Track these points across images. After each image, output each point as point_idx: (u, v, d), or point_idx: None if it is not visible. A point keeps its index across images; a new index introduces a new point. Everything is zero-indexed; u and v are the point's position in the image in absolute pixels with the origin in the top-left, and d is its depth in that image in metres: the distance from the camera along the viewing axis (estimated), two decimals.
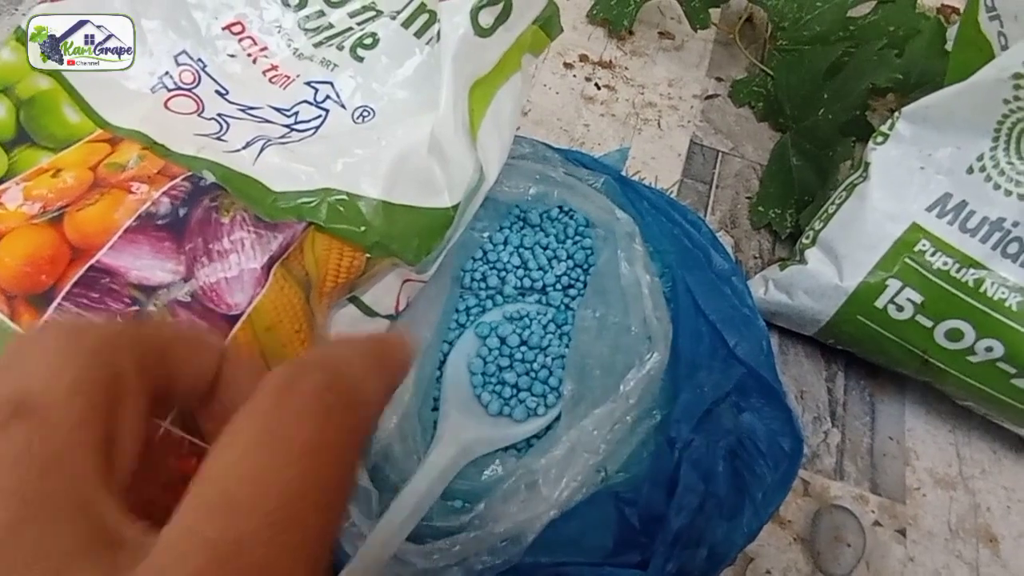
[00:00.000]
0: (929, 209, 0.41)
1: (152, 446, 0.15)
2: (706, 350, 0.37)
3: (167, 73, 0.34)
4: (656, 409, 0.36)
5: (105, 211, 0.27)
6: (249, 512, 0.11)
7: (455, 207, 0.32)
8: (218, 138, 0.32)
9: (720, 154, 0.56)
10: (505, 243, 0.43)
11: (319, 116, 0.34)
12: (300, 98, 0.34)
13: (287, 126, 0.33)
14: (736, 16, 0.64)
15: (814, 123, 0.53)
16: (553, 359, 0.39)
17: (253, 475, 0.12)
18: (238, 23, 0.36)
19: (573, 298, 0.41)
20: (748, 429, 0.35)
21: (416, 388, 0.36)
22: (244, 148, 0.31)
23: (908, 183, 0.42)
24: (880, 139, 0.42)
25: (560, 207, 0.44)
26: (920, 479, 0.43)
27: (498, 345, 0.39)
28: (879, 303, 0.41)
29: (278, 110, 0.34)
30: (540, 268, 0.42)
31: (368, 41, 0.35)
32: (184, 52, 0.34)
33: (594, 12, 0.61)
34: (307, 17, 0.36)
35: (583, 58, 0.60)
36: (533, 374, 0.38)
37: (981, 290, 0.40)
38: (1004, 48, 0.39)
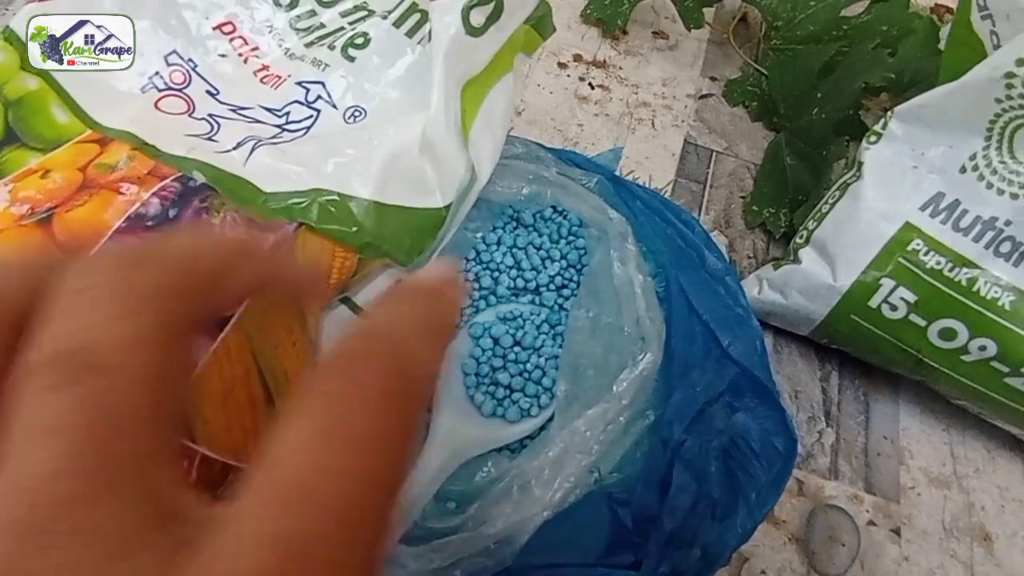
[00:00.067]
0: (922, 208, 0.41)
1: None
2: (699, 350, 0.37)
3: (157, 73, 0.33)
4: (649, 409, 0.36)
5: (94, 212, 0.27)
6: (321, 506, 0.11)
7: (447, 207, 0.32)
8: (209, 138, 0.31)
9: (714, 154, 0.56)
10: (498, 243, 0.43)
11: (310, 116, 0.34)
12: (291, 98, 0.34)
13: (278, 126, 0.33)
14: (730, 15, 0.64)
15: (808, 122, 0.53)
16: (546, 359, 0.39)
17: (323, 465, 0.11)
18: (229, 23, 0.35)
19: (566, 298, 0.41)
20: (742, 429, 0.35)
21: None
22: (235, 148, 0.31)
23: (901, 182, 0.42)
24: (873, 138, 0.42)
25: (553, 207, 0.44)
26: (914, 478, 0.43)
27: (491, 346, 0.39)
28: (873, 302, 0.41)
29: (269, 110, 0.34)
30: (533, 268, 0.42)
31: (359, 41, 0.35)
32: (175, 52, 0.34)
33: (588, 11, 0.61)
34: (298, 17, 0.36)
35: (577, 58, 0.60)
36: (526, 375, 0.38)
37: (974, 289, 0.40)
38: (996, 47, 0.39)
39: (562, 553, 0.32)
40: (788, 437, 0.35)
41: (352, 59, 0.35)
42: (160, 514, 0.11)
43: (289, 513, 0.11)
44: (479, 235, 0.43)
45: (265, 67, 0.35)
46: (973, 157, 0.40)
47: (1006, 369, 0.40)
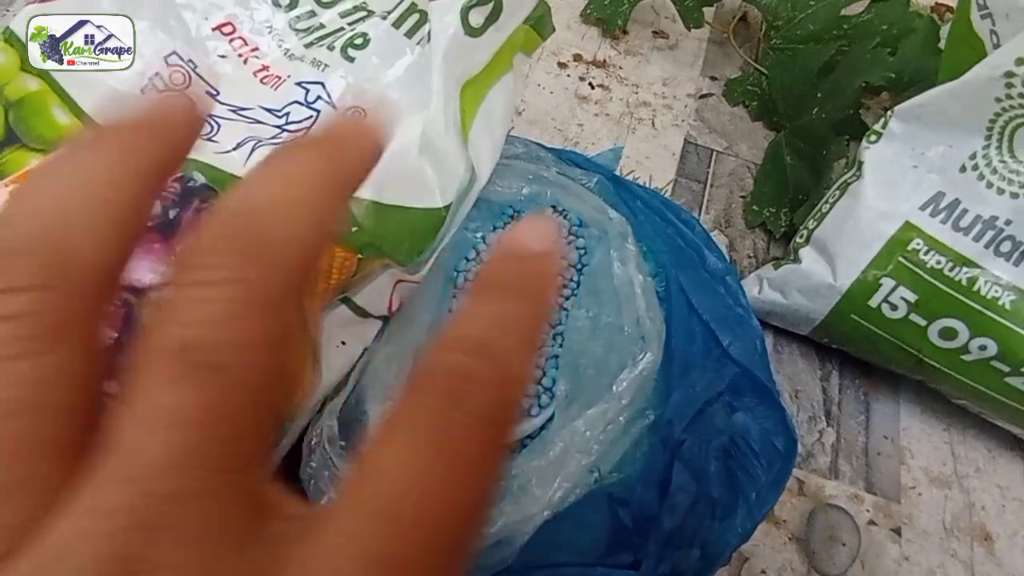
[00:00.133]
0: (922, 208, 0.41)
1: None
2: (699, 350, 0.37)
3: (157, 74, 0.34)
4: (649, 409, 0.36)
5: None
6: (421, 532, 0.11)
7: (447, 207, 0.32)
8: (208, 139, 0.31)
9: (714, 153, 0.56)
10: None
11: (310, 116, 0.34)
12: (291, 98, 0.34)
13: (278, 127, 0.33)
14: (730, 15, 0.64)
15: (808, 122, 0.53)
16: (546, 359, 0.39)
17: (426, 489, 0.11)
18: (228, 23, 0.35)
19: (567, 298, 0.41)
20: (742, 429, 0.35)
21: None
22: (235, 149, 0.31)
23: (901, 182, 0.42)
24: (873, 138, 0.42)
25: (553, 207, 0.44)
26: (915, 478, 0.43)
27: None
28: (873, 302, 0.41)
29: (269, 111, 0.34)
30: None
31: (359, 41, 0.35)
32: (174, 53, 0.34)
33: (588, 11, 0.61)
34: (298, 17, 0.36)
35: (577, 57, 0.60)
36: None
37: (974, 289, 0.40)
38: (996, 46, 0.39)
39: (562, 553, 0.32)
40: (788, 437, 0.35)
41: (352, 59, 0.35)
42: (262, 510, 0.11)
43: (388, 534, 0.11)
44: (479, 235, 0.43)
45: (265, 68, 0.35)
46: (973, 156, 0.40)
47: (1006, 368, 0.40)
